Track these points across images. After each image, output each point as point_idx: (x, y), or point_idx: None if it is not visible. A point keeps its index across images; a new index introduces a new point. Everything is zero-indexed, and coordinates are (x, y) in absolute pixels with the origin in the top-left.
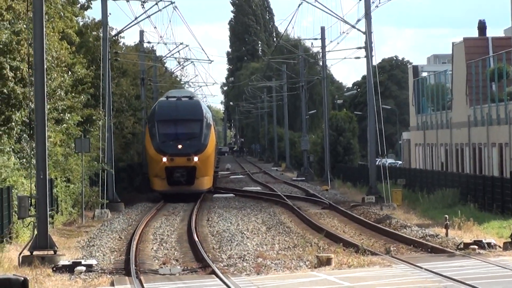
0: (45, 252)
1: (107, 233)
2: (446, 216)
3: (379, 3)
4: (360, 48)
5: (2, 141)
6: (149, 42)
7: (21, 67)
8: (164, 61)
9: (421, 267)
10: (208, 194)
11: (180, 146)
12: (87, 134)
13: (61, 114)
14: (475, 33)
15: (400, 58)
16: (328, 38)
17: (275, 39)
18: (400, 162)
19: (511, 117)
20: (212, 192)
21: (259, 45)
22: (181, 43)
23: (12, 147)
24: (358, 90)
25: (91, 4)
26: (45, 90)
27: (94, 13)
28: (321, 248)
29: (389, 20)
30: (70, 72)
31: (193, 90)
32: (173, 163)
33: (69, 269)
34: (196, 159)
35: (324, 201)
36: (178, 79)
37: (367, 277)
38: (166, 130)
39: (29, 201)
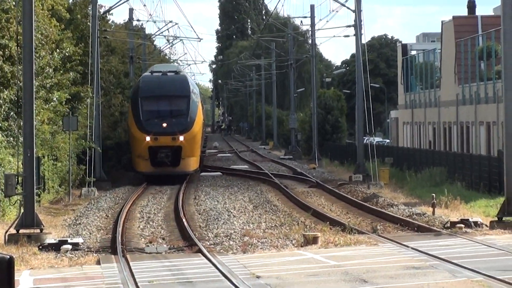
0: (32, 231)
1: (93, 212)
2: (433, 194)
3: None
4: (349, 26)
5: None
6: (138, 20)
7: (9, 45)
8: (153, 39)
9: (407, 246)
10: (195, 173)
11: (164, 125)
12: (75, 111)
13: (50, 94)
14: (464, 12)
15: (389, 36)
16: (318, 16)
17: (264, 17)
18: (388, 140)
19: (499, 95)
20: (199, 172)
21: (249, 23)
22: (170, 21)
23: (0, 125)
24: (347, 68)
25: None
26: (33, 68)
27: None
28: (308, 226)
29: None
30: (58, 49)
31: (182, 68)
32: (157, 143)
33: (55, 247)
34: (181, 138)
35: (311, 180)
36: (167, 57)
37: (354, 256)
38: (149, 107)
39: (16, 179)
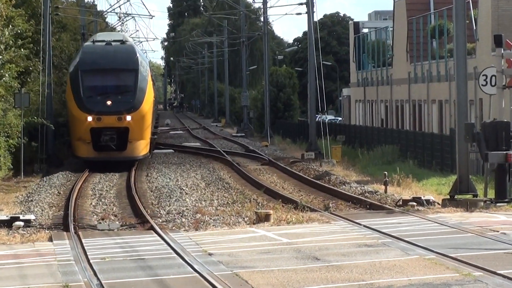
0: None
1: (45, 189)
2: (385, 172)
3: None
4: (301, 4)
5: None
6: None
7: None
8: (105, 16)
9: (359, 224)
10: (144, 159)
11: (109, 103)
12: (25, 86)
13: (1, 70)
14: None
15: (341, 14)
16: None
17: None
18: (340, 118)
19: (451, 74)
20: (150, 157)
21: (201, 0)
22: None
23: None
24: (299, 46)
25: None
26: None
27: None
28: (260, 204)
29: None
30: (10, 26)
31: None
32: (101, 124)
33: (7, 224)
34: (129, 118)
35: (264, 157)
36: None
37: (306, 234)
38: (91, 83)
39: None
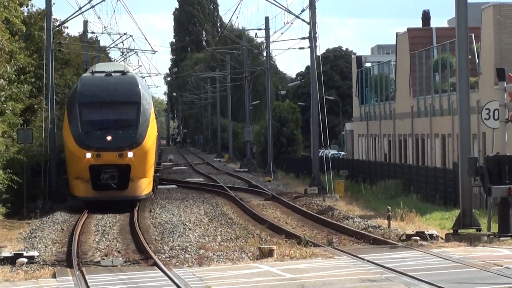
0: None
1: (49, 225)
2: (389, 207)
3: None
4: (304, 38)
5: None
6: (93, 32)
7: None
8: (108, 51)
9: (363, 259)
10: (147, 198)
11: (109, 138)
12: (29, 124)
13: (4, 105)
14: (419, 24)
15: (344, 48)
16: (272, 28)
17: (219, 29)
18: (343, 153)
19: (454, 108)
20: (153, 196)
21: (204, 35)
22: (125, 34)
23: None
24: (302, 80)
25: None
26: None
27: (38, 3)
28: (264, 239)
29: (332, 10)
30: (12, 61)
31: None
32: (100, 160)
33: (11, 260)
34: (130, 154)
35: (267, 192)
36: None
37: (309, 269)
38: (90, 116)
39: None
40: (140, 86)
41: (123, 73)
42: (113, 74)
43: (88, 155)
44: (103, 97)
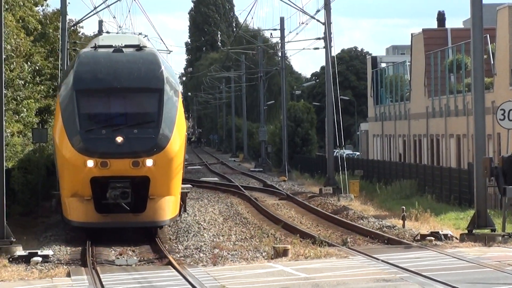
0: (1, 243)
1: (63, 223)
2: (403, 207)
3: None
4: (319, 38)
5: None
6: (108, 32)
7: None
8: None
9: (377, 259)
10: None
11: (119, 140)
12: (46, 124)
13: (20, 105)
14: (434, 24)
15: (359, 49)
16: (287, 28)
17: (234, 29)
18: (357, 153)
19: (468, 108)
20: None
21: (219, 35)
22: (140, 33)
23: None
24: (317, 80)
25: None
26: (3, 79)
27: (53, 3)
28: (278, 239)
29: (346, 10)
30: (29, 62)
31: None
32: (107, 171)
33: (26, 259)
34: (150, 163)
35: (282, 192)
36: None
37: (324, 269)
38: (93, 109)
39: None
40: (163, 67)
41: (139, 48)
42: (124, 49)
43: (90, 163)
44: (110, 82)
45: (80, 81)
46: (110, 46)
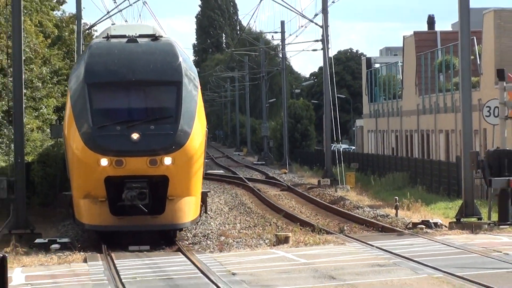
0: (23, 231)
1: None
2: (396, 197)
3: None
4: (317, 41)
5: None
6: None
7: (0, 58)
8: None
9: (372, 245)
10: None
11: (135, 137)
12: (63, 121)
13: (39, 103)
14: (424, 27)
15: (354, 50)
16: (288, 31)
17: (238, 32)
18: (353, 147)
19: (457, 105)
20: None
21: (223, 38)
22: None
23: None
24: (315, 80)
25: None
26: (23, 80)
27: (69, 7)
28: (280, 227)
29: (344, 14)
30: (47, 65)
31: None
32: (122, 171)
33: (45, 246)
34: (168, 161)
35: (283, 184)
36: None
37: (322, 254)
38: (106, 104)
39: (8, 183)
40: (181, 58)
41: (155, 38)
42: (139, 39)
43: (104, 162)
44: (125, 74)
45: (92, 74)
46: (124, 36)
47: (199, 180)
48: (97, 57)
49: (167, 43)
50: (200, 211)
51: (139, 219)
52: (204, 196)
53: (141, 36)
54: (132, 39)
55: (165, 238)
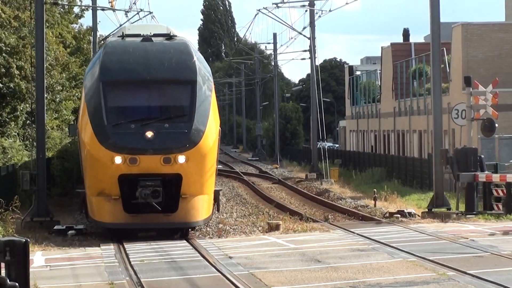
0: (43, 219)
1: None
2: (375, 190)
3: (322, 14)
4: (305, 51)
5: (9, 127)
6: None
7: (25, 66)
8: None
9: (353, 232)
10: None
11: (149, 135)
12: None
13: (58, 105)
14: (400, 39)
15: (338, 59)
16: (279, 42)
17: (236, 43)
18: (337, 145)
19: (429, 108)
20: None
21: (223, 48)
22: None
23: (18, 132)
24: (303, 85)
25: (84, 13)
26: (44, 85)
27: (86, 21)
28: (271, 216)
29: (329, 27)
30: (66, 71)
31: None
32: (136, 169)
33: (63, 232)
34: (182, 159)
35: (274, 177)
36: None
37: (309, 240)
38: (121, 102)
39: (30, 176)
40: (195, 57)
41: (169, 37)
42: (153, 38)
43: (118, 160)
44: (140, 73)
45: (107, 72)
46: (139, 35)
47: (212, 179)
48: (112, 55)
49: (181, 42)
50: (213, 209)
51: (152, 217)
52: (216, 194)
53: (155, 35)
54: (147, 38)
55: (175, 232)
